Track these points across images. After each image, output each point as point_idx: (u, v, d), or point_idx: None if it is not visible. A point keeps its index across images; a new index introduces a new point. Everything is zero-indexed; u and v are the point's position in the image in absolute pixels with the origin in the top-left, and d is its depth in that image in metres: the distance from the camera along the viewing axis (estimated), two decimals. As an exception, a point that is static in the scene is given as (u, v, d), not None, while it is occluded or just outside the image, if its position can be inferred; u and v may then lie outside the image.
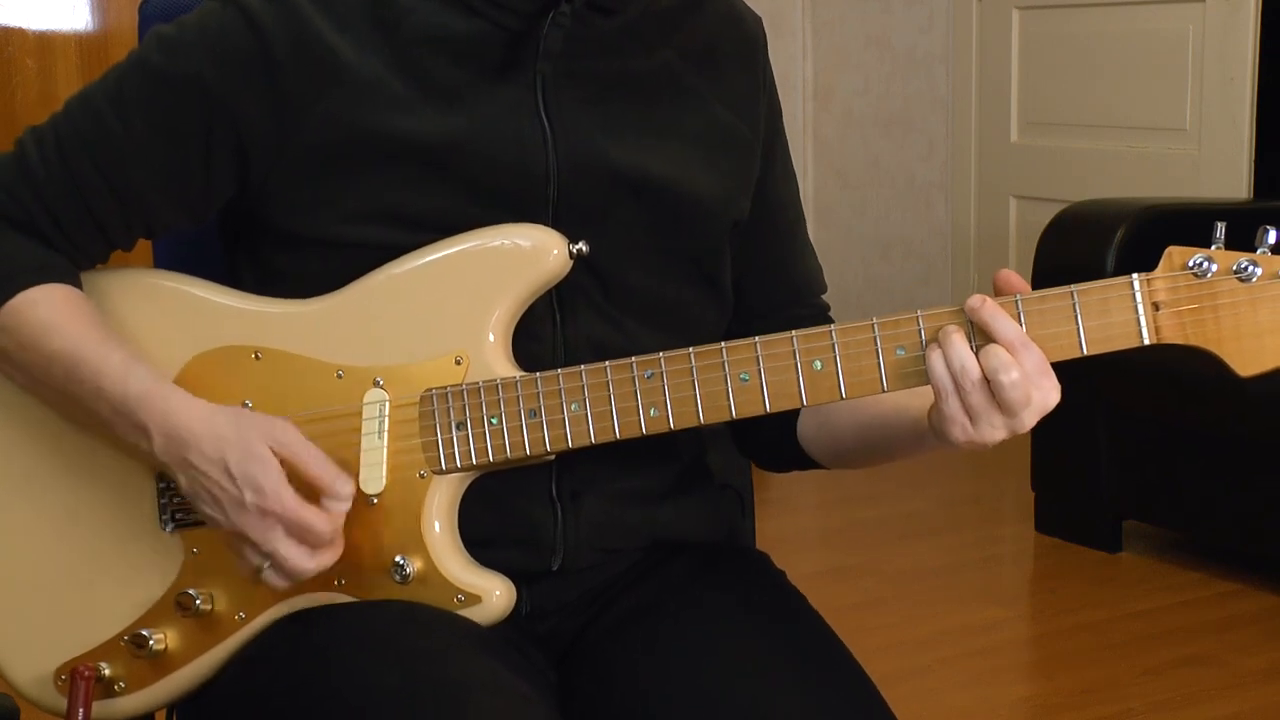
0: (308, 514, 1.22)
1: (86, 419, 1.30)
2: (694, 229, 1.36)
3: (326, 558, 1.24)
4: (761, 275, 1.44)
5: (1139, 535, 3.54)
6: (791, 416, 1.40)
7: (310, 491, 1.24)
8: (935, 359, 1.18)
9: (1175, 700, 2.75)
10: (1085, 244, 3.34)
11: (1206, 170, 4.09)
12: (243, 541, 1.24)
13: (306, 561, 1.23)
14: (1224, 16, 4.01)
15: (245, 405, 1.28)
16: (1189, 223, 3.64)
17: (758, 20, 1.45)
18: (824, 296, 1.50)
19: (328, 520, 1.23)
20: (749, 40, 1.43)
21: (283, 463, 1.23)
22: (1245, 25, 3.96)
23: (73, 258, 1.32)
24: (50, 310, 1.28)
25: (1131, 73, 4.29)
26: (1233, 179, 4.02)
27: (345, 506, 1.25)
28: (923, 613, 3.19)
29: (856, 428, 1.35)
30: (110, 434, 1.28)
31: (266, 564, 1.23)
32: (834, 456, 1.41)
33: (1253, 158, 3.98)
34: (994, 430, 1.19)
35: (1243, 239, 1.20)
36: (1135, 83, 4.28)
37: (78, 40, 3.50)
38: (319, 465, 1.24)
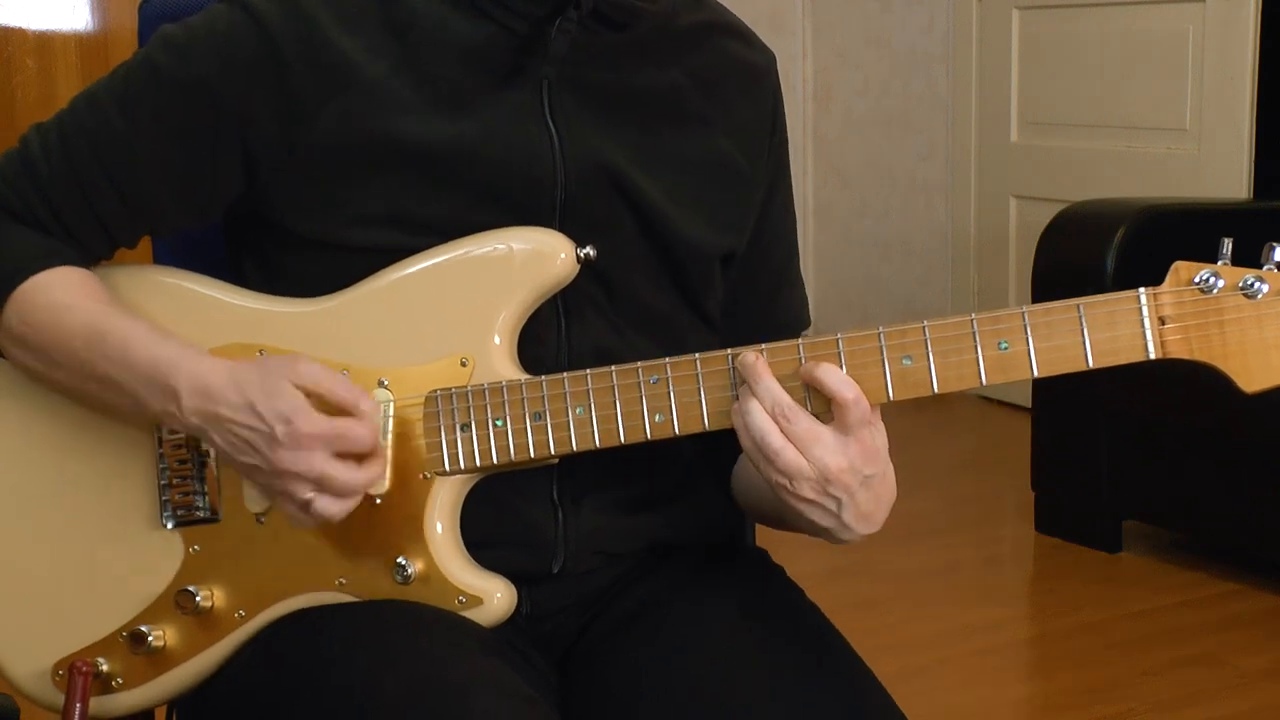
0: (341, 423, 1.21)
1: (103, 396, 1.28)
2: (683, 264, 1.36)
3: (375, 469, 1.22)
4: (745, 315, 1.44)
5: (1139, 535, 3.54)
6: (732, 456, 1.40)
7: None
8: (741, 433, 1.19)
9: (1175, 700, 2.75)
10: (1085, 244, 3.34)
11: (1206, 170, 4.09)
12: (287, 479, 1.21)
13: (355, 474, 1.21)
14: (1224, 16, 4.01)
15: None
16: (1189, 223, 3.67)
17: (771, 57, 1.44)
18: (816, 311, 1.50)
19: (365, 425, 1.21)
20: (759, 73, 1.42)
21: (307, 395, 1.21)
22: (1245, 25, 3.96)
23: (77, 251, 1.32)
24: (66, 292, 1.28)
25: (1131, 73, 4.29)
26: (1233, 179, 4.02)
27: (376, 420, 1.23)
28: (923, 613, 3.19)
29: (758, 485, 1.33)
30: (132, 407, 1.27)
31: (312, 494, 1.20)
32: (749, 510, 1.43)
33: (1253, 158, 3.98)
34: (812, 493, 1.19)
35: (1243, 238, 1.20)
36: (1135, 83, 4.28)
37: (78, 40, 3.50)
38: (342, 387, 1.22)
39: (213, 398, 1.23)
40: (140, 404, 1.26)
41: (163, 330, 1.28)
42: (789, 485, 1.18)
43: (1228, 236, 1.18)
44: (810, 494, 1.18)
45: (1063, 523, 3.57)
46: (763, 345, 1.22)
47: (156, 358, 1.25)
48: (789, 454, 1.17)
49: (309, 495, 1.21)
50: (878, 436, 1.20)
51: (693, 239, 1.35)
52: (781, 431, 1.17)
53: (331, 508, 1.21)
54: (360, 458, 1.22)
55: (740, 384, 1.20)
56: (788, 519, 1.27)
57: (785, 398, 1.18)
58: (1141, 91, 4.27)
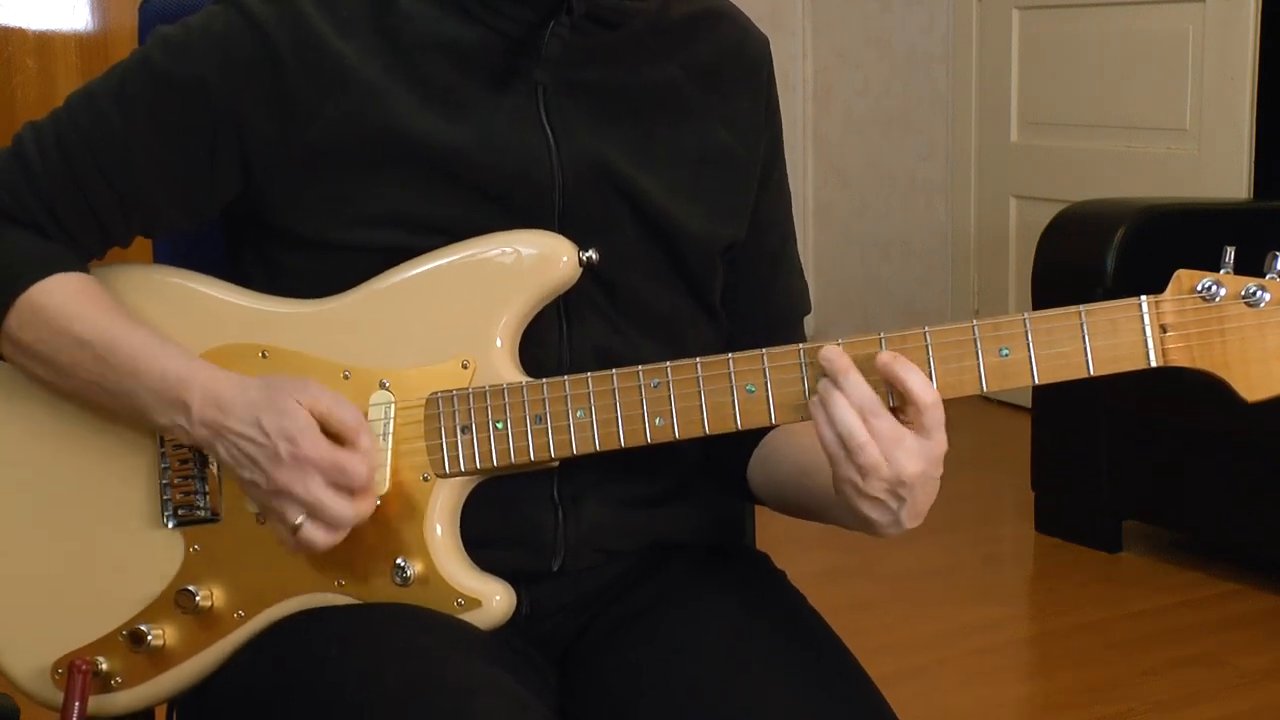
0: (341, 455, 1.22)
1: (110, 404, 1.29)
2: (684, 257, 1.36)
3: (364, 505, 1.23)
4: (742, 299, 1.44)
5: (1139, 535, 3.54)
6: (749, 449, 1.40)
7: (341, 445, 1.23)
8: (823, 425, 1.18)
9: (1175, 700, 2.75)
10: (1085, 244, 3.34)
11: (1206, 170, 4.09)
12: (283, 499, 1.22)
13: (345, 508, 1.22)
14: (1224, 16, 4.01)
15: None
16: (1189, 223, 3.67)
17: (765, 41, 1.44)
18: (810, 316, 1.49)
19: (361, 459, 1.22)
20: (754, 61, 1.42)
21: (314, 417, 1.23)
22: (1245, 25, 3.96)
23: (73, 251, 1.32)
24: (69, 300, 1.28)
25: (1131, 73, 4.29)
26: (1233, 179, 4.02)
27: (372, 456, 1.24)
28: (923, 613, 3.19)
29: (795, 474, 1.34)
30: (137, 417, 1.28)
31: (303, 518, 1.21)
32: (773, 500, 1.41)
33: (1253, 158, 3.98)
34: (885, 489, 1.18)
35: (1243, 239, 1.20)
36: (1135, 83, 4.28)
37: (78, 40, 3.50)
38: (348, 414, 1.23)
39: (223, 410, 1.24)
40: (147, 415, 1.27)
41: (169, 340, 1.28)
42: (861, 482, 1.17)
43: (1229, 239, 1.18)
44: (879, 493, 1.18)
45: (1063, 522, 3.58)
46: (764, 350, 1.22)
47: (166, 370, 1.26)
48: (871, 451, 1.16)
49: (299, 519, 1.22)
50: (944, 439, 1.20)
51: (696, 233, 1.35)
52: (866, 428, 1.17)
53: (318, 536, 1.22)
54: (354, 491, 1.23)
55: (821, 377, 1.19)
56: (825, 511, 1.27)
57: (873, 395, 1.17)
58: (1141, 91, 4.27)
